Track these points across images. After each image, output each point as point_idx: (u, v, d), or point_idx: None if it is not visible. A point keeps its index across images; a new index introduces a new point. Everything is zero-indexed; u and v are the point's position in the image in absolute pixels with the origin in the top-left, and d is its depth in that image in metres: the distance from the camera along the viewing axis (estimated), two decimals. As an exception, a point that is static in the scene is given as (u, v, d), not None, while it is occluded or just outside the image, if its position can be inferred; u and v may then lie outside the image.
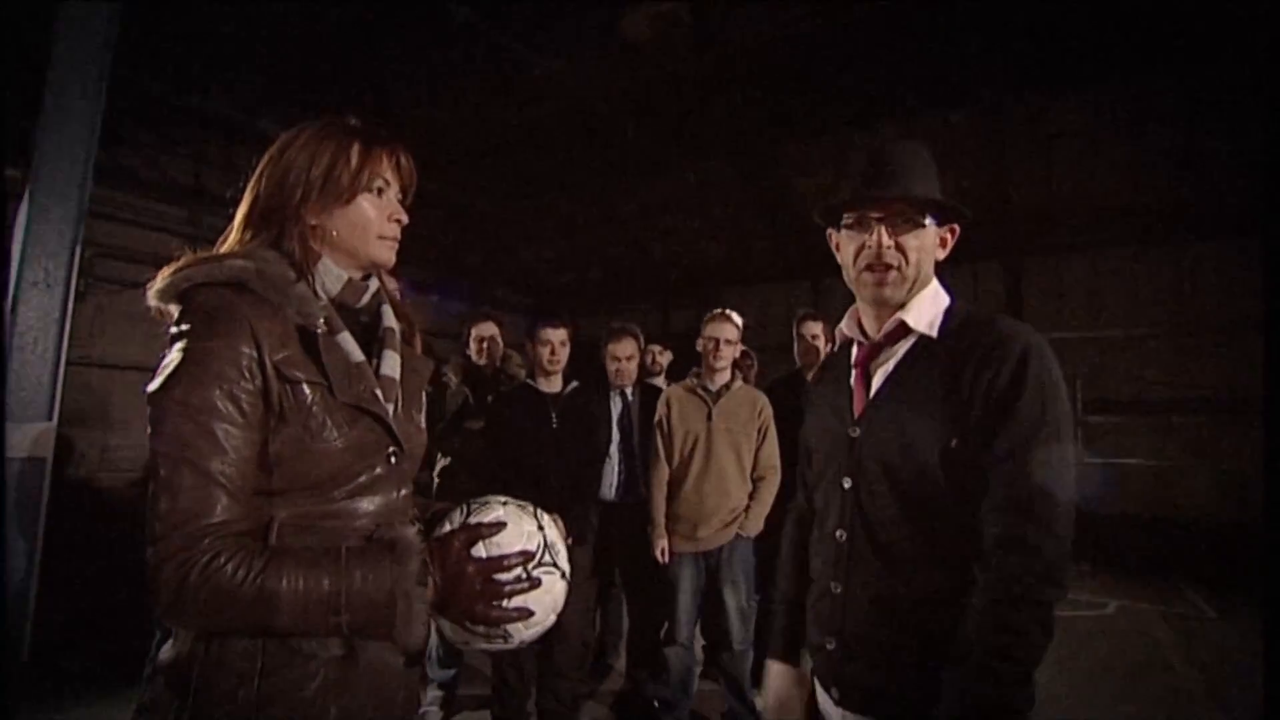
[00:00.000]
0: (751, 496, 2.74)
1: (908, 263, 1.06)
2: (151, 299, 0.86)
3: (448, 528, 0.93)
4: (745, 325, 2.89)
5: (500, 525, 0.91)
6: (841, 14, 4.75)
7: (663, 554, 2.69)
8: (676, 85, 5.80)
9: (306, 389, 0.85)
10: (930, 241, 1.08)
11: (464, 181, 7.83)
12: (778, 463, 2.76)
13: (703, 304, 3.59)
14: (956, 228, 1.11)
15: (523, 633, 0.90)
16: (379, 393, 0.92)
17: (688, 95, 5.96)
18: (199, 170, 6.42)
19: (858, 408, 1.11)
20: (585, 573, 2.80)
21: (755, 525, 2.70)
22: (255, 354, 0.82)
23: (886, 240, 1.05)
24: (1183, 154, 5.96)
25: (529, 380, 2.75)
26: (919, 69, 5.44)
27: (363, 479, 0.89)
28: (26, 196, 2.96)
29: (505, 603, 0.88)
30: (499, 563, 0.89)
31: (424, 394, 1.07)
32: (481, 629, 0.88)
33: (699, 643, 3.08)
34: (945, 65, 5.41)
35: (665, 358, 3.78)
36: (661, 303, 9.54)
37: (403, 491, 0.95)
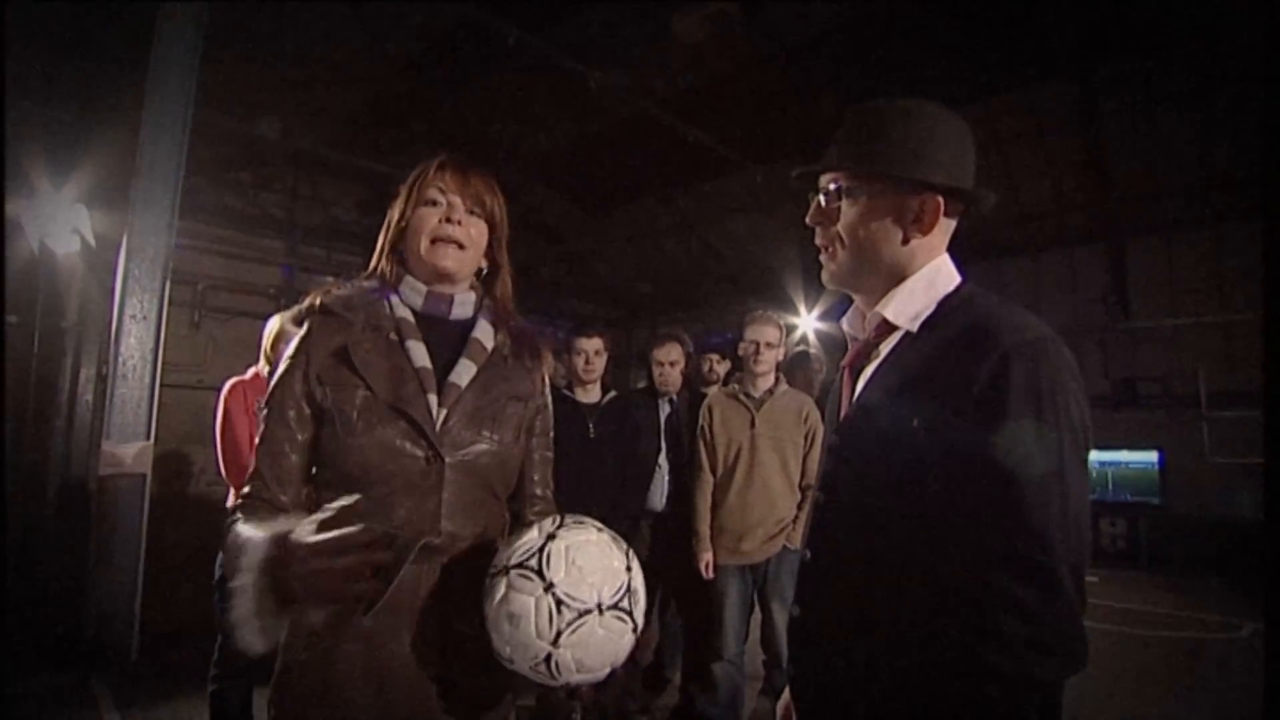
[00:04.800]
0: (800, 506, 2.62)
1: (837, 244, 0.94)
2: (288, 324, 1.07)
3: (520, 538, 0.91)
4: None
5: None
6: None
7: (706, 567, 2.62)
8: (733, 84, 5.71)
9: (347, 391, 0.96)
10: (868, 216, 0.91)
11: (532, 198, 8.03)
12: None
13: (779, 308, 3.50)
14: (938, 198, 0.89)
15: (572, 674, 0.83)
16: (432, 398, 0.99)
17: (746, 93, 5.84)
18: (292, 204, 6.94)
19: (842, 414, 0.99)
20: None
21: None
22: (305, 368, 0.98)
23: (812, 215, 0.95)
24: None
25: (565, 391, 2.76)
26: (999, 41, 5.08)
27: (395, 480, 0.95)
28: (124, 241, 3.30)
29: (348, 584, 0.76)
30: (335, 543, 0.75)
31: (511, 410, 1.07)
32: (530, 663, 0.82)
33: (759, 658, 2.98)
34: (1029, 35, 5.02)
35: (723, 366, 3.69)
36: (738, 307, 9.39)
37: (440, 499, 0.97)
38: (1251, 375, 5.97)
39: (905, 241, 0.91)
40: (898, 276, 0.92)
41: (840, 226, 0.93)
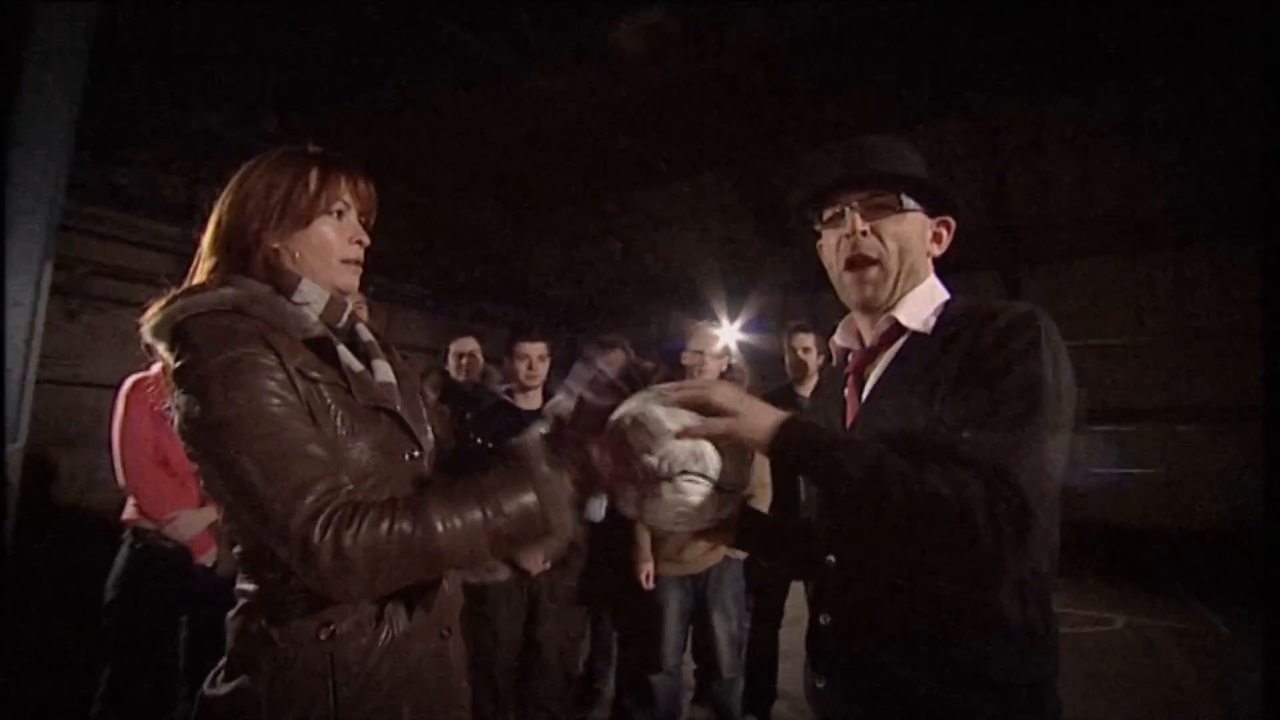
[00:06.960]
0: (739, 516, 2.65)
1: (888, 253, 0.98)
2: (146, 336, 0.86)
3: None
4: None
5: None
6: (831, 20, 4.71)
7: (646, 578, 2.60)
8: (668, 96, 5.78)
9: (328, 391, 0.86)
10: (915, 230, 1.00)
11: (458, 197, 7.81)
12: (768, 479, 2.66)
13: (699, 318, 3.54)
14: (951, 222, 1.03)
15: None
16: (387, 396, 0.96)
17: (679, 105, 5.93)
18: (192, 188, 6.40)
19: (849, 419, 1.02)
20: (570, 598, 2.70)
21: (744, 546, 2.61)
22: (276, 358, 0.82)
23: (861, 224, 0.97)
24: (1180, 160, 5.96)
25: (507, 396, 2.67)
26: (911, 76, 5.41)
27: (391, 479, 0.89)
28: (-3, 216, 2.92)
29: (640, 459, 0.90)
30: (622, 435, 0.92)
31: (421, 399, 1.07)
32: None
33: (691, 668, 2.98)
34: (938, 72, 5.37)
35: (657, 377, 3.70)
36: (660, 315, 9.46)
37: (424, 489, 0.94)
38: (1117, 394, 6.66)
39: (926, 257, 1.03)
40: (912, 289, 1.02)
41: (892, 237, 0.98)
